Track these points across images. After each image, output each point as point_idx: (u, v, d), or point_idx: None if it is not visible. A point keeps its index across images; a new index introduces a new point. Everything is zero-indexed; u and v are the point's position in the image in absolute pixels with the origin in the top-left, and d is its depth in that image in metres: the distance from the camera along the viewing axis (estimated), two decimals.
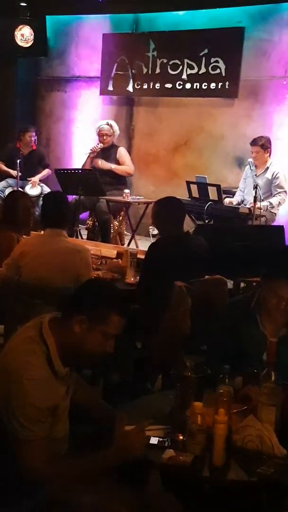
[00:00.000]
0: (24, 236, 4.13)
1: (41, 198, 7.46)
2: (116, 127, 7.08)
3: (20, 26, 8.32)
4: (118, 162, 6.96)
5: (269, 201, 6.17)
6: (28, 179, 7.53)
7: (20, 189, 7.27)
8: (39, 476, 1.91)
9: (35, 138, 7.84)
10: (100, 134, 6.98)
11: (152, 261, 3.71)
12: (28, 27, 8.31)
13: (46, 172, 7.81)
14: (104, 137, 6.95)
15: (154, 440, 2.06)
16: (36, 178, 7.66)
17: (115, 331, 2.08)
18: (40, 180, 7.74)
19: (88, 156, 6.93)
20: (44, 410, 1.95)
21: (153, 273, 3.64)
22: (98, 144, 6.97)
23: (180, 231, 3.81)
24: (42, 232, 3.90)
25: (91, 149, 6.94)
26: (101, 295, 2.12)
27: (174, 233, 3.76)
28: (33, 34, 8.34)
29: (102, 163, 6.84)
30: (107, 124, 7.03)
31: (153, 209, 3.92)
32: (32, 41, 8.37)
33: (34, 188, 7.60)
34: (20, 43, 8.39)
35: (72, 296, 2.15)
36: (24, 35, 8.36)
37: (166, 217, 3.79)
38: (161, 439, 2.07)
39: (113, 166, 6.87)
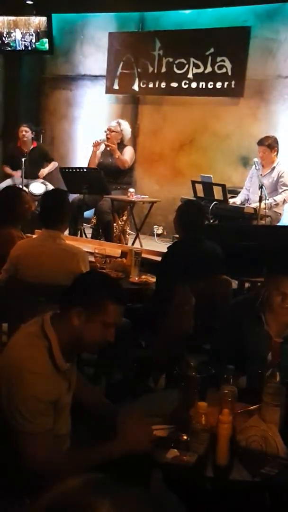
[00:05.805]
0: (26, 235, 4.11)
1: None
2: (125, 126, 6.93)
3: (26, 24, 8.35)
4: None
5: (273, 198, 6.15)
6: (30, 180, 7.50)
7: (24, 187, 7.28)
8: (41, 468, 1.90)
9: (28, 134, 7.63)
10: (107, 130, 6.92)
11: (168, 263, 3.83)
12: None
13: (52, 165, 7.74)
14: (107, 132, 6.86)
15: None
16: (44, 171, 7.60)
17: (113, 319, 2.07)
18: (43, 178, 7.72)
19: (93, 150, 6.88)
20: (46, 403, 1.96)
21: (169, 274, 3.71)
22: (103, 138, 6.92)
23: (197, 236, 3.88)
24: (40, 231, 3.87)
25: (94, 142, 6.88)
26: (95, 285, 2.12)
27: (190, 237, 3.86)
28: (38, 32, 8.36)
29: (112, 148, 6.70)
30: (117, 122, 6.97)
31: (176, 213, 4.05)
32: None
33: (38, 187, 7.57)
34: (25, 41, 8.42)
35: (67, 290, 2.15)
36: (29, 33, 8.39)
37: (184, 222, 3.90)
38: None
39: (119, 153, 6.74)
